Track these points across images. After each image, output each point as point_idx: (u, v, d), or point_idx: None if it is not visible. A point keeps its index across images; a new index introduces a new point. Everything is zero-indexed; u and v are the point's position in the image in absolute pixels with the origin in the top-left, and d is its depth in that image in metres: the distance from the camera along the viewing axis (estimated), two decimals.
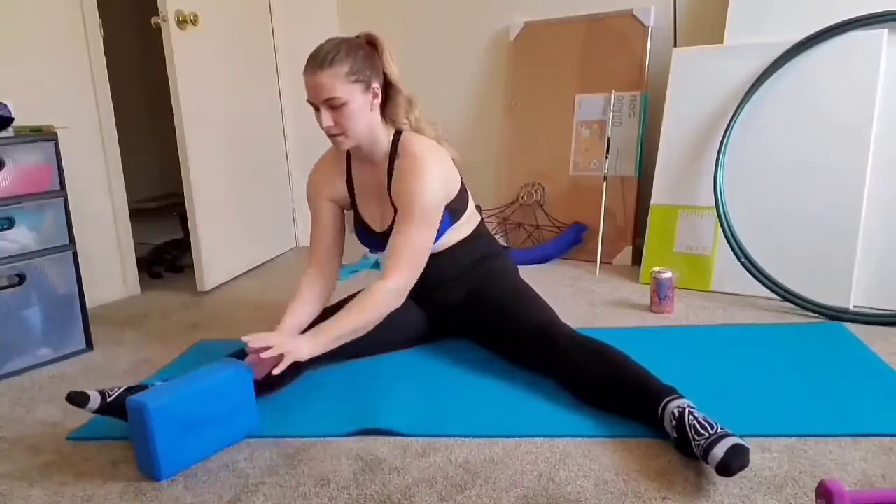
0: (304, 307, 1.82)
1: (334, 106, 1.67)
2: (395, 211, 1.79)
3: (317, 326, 1.70)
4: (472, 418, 1.61)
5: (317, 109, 1.70)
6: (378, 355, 1.96)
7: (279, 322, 1.76)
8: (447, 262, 1.90)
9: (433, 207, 1.76)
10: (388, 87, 1.78)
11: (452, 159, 1.86)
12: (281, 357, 1.57)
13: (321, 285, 1.87)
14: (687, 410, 1.38)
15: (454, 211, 1.87)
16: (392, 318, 1.78)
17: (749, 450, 1.28)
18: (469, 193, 1.96)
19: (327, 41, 1.70)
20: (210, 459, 1.50)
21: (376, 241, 1.92)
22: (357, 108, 1.69)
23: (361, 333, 1.72)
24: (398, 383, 1.80)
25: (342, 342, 1.69)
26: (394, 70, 1.77)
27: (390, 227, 1.81)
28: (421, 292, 1.85)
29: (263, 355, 1.55)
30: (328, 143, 1.83)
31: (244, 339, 1.58)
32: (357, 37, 1.75)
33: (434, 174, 1.75)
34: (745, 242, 2.35)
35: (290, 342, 1.62)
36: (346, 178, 1.91)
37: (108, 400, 1.59)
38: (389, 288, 1.71)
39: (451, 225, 1.88)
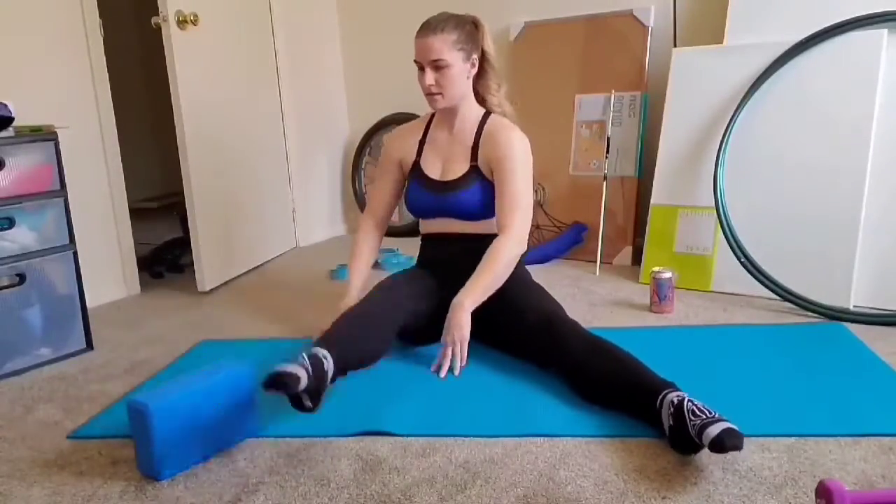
0: (364, 266, 2.16)
1: (439, 67, 1.91)
2: (470, 170, 2.00)
3: (460, 292, 1.86)
4: (472, 418, 1.60)
5: (421, 70, 1.94)
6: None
7: (349, 287, 2.09)
8: (476, 252, 1.92)
9: (527, 160, 1.98)
10: (483, 63, 2.01)
11: None
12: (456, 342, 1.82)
13: (374, 241, 2.20)
14: (686, 399, 1.40)
15: None
16: (404, 283, 2.00)
17: (744, 436, 1.29)
18: None
19: (440, 13, 1.95)
20: (210, 459, 1.50)
21: (427, 191, 2.05)
22: (457, 72, 1.93)
23: (500, 284, 1.89)
24: (398, 383, 1.80)
25: (486, 297, 1.87)
26: (491, 49, 2.01)
27: (446, 181, 2.02)
28: (442, 273, 2.02)
29: (455, 353, 1.82)
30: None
31: (433, 372, 1.84)
32: (465, 15, 1.98)
33: (524, 140, 1.99)
34: (745, 242, 2.34)
35: (454, 323, 1.82)
36: (420, 138, 2.11)
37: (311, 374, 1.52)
38: (509, 238, 1.91)
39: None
